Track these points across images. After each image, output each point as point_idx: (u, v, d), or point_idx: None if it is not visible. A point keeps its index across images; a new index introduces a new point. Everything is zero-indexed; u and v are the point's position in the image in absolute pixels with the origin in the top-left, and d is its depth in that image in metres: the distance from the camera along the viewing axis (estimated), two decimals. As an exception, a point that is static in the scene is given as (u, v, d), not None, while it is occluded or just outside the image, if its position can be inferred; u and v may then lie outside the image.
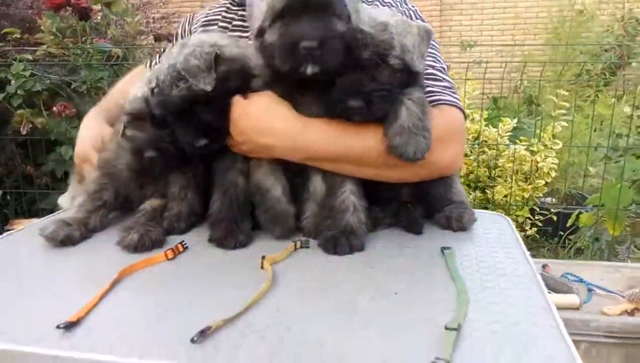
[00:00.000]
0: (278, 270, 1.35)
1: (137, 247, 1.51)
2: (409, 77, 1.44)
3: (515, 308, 1.15)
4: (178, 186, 1.68)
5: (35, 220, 3.82)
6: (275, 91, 1.49)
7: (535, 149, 3.37)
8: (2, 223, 4.27)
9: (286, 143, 1.47)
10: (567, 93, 3.40)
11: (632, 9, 10.10)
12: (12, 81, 3.52)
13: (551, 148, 3.35)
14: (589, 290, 2.72)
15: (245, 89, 1.49)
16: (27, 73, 3.43)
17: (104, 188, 1.67)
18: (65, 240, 1.55)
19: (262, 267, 1.36)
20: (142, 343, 1.05)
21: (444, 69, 1.72)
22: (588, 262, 3.27)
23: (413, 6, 1.87)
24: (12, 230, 3.55)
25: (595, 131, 5.33)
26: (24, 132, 3.56)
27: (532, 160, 3.34)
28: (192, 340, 1.03)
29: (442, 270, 1.35)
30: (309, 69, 1.33)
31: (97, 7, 4.04)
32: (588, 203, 3.79)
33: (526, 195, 3.37)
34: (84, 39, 3.73)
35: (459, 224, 1.63)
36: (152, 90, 1.47)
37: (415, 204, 1.70)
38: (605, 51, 8.56)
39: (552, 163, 3.32)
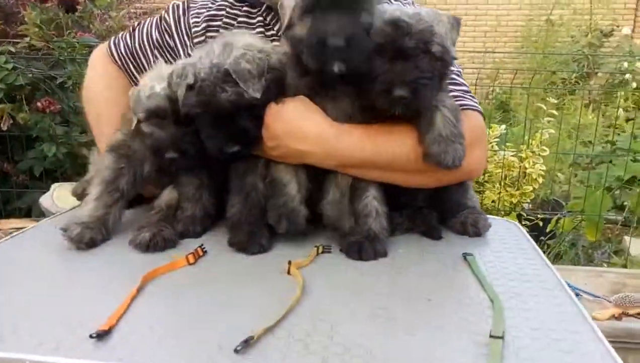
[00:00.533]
0: (305, 276, 1.33)
1: (149, 246, 1.48)
2: (444, 66, 1.43)
3: (548, 315, 1.17)
4: (192, 186, 1.63)
5: (21, 221, 3.68)
6: (302, 89, 1.47)
7: (523, 155, 3.46)
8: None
9: (319, 149, 1.45)
10: (555, 101, 3.51)
11: (597, 21, 10.54)
12: (-8, 74, 3.37)
13: (539, 155, 3.44)
14: (577, 295, 2.79)
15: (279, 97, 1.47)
16: (10, 66, 3.28)
17: (121, 174, 1.58)
18: (90, 243, 1.50)
19: (288, 273, 1.35)
20: (184, 353, 1.02)
21: (460, 72, 1.74)
22: (571, 267, 3.37)
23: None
24: (-6, 230, 3.40)
25: (569, 138, 5.53)
26: (4, 128, 3.41)
27: (520, 166, 3.43)
28: (236, 351, 1.00)
29: (468, 276, 1.37)
30: (336, 67, 1.31)
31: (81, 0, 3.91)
32: (569, 208, 3.91)
33: (514, 201, 3.46)
34: (67, 32, 3.60)
35: (475, 230, 1.65)
36: (189, 86, 1.38)
37: (430, 209, 1.72)
38: (573, 60, 8.87)
39: (540, 169, 3.41)
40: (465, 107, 1.62)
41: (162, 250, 1.49)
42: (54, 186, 3.54)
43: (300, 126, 1.43)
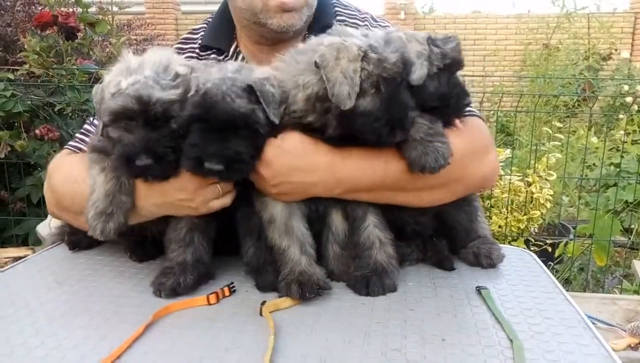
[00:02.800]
0: (309, 313, 1.26)
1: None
2: None
3: (574, 356, 1.09)
4: (183, 229, 1.45)
5: (18, 250, 3.60)
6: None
7: (530, 180, 3.39)
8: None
9: (328, 178, 1.38)
10: (560, 125, 3.46)
11: (595, 44, 10.60)
12: (-10, 101, 3.33)
13: (546, 179, 3.38)
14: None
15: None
16: (8, 93, 3.25)
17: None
18: (111, 232, 1.40)
19: (260, 313, 1.26)
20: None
21: None
22: (583, 294, 3.28)
23: (386, 23, 1.85)
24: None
25: (572, 161, 5.47)
26: (1, 155, 3.35)
27: (527, 191, 3.36)
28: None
29: (484, 312, 1.29)
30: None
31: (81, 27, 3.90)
32: (578, 233, 3.83)
33: (521, 226, 3.38)
34: (67, 59, 3.58)
35: (489, 261, 1.58)
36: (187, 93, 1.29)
37: (440, 239, 1.65)
38: (570, 84, 8.88)
39: (547, 194, 3.34)
40: (466, 113, 1.57)
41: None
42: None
43: (307, 158, 1.36)
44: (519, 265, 1.62)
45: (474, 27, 12.14)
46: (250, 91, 1.28)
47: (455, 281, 1.49)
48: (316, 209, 1.46)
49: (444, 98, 1.40)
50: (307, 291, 1.32)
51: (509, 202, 3.44)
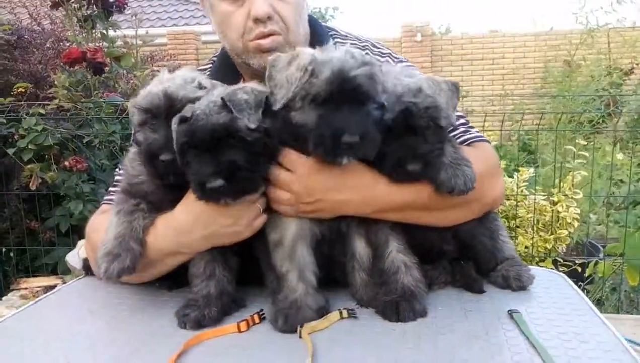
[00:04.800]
0: (333, 342, 1.26)
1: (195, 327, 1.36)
2: (448, 131, 1.48)
3: (614, 382, 1.06)
4: (202, 261, 1.46)
5: (48, 279, 3.67)
6: None
7: (556, 199, 3.34)
8: (4, 280, 4.10)
9: (361, 197, 1.39)
10: (585, 142, 3.42)
11: (616, 59, 10.48)
12: (21, 135, 3.46)
13: (572, 198, 3.32)
14: (627, 346, 2.61)
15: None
16: (40, 127, 3.37)
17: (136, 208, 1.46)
18: (119, 274, 1.41)
19: (300, 337, 1.26)
20: None
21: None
22: (616, 316, 3.18)
23: (387, 50, 1.88)
24: (19, 289, 3.40)
25: (599, 178, 5.37)
26: (33, 187, 3.46)
27: (553, 210, 3.30)
28: None
29: (517, 336, 1.27)
30: (345, 161, 1.29)
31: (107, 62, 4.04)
32: (608, 252, 3.73)
33: (549, 246, 3.31)
34: (95, 93, 3.70)
35: (519, 284, 1.55)
36: (183, 119, 1.31)
37: (467, 261, 1.63)
38: (594, 100, 8.78)
39: (574, 212, 3.28)
40: (473, 140, 1.63)
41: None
42: (80, 243, 3.54)
43: (340, 176, 1.38)
44: (550, 287, 1.59)
45: (492, 47, 12.14)
46: (224, 103, 1.30)
47: (486, 305, 1.46)
48: (338, 229, 1.46)
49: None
50: (288, 328, 1.30)
51: (535, 222, 3.38)
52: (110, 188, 1.83)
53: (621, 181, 5.60)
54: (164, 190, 1.48)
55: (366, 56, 1.33)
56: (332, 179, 1.37)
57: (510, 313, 1.37)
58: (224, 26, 1.69)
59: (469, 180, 1.38)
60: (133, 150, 1.58)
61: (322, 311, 1.37)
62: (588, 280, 3.95)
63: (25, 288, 3.37)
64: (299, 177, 1.36)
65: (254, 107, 1.31)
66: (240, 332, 1.32)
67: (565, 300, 1.49)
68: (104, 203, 1.80)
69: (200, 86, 1.45)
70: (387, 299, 1.40)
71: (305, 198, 1.37)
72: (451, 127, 1.52)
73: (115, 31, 4.11)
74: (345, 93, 1.26)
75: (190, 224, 1.41)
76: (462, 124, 1.71)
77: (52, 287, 3.56)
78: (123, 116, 3.60)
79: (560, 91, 8.82)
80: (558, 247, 3.35)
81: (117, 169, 1.90)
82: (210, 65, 1.92)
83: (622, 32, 10.16)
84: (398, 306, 1.37)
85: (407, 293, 1.40)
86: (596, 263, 3.81)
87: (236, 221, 1.39)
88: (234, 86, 1.38)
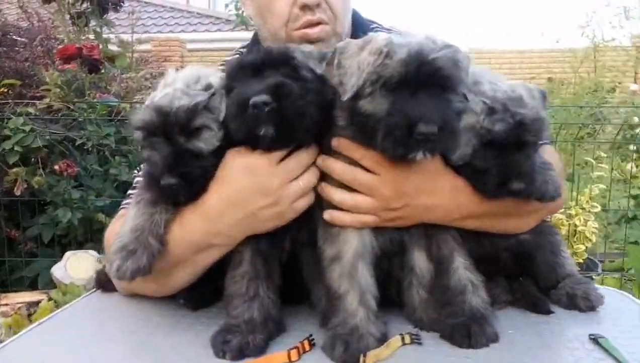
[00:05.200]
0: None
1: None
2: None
3: None
4: (244, 279, 1.24)
5: (31, 294, 3.37)
6: None
7: (573, 212, 3.23)
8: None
9: (450, 202, 1.26)
10: (605, 155, 3.34)
11: (597, 79, 10.64)
12: (6, 136, 3.19)
13: (589, 212, 3.22)
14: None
15: None
16: (27, 128, 3.11)
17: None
18: (134, 273, 1.22)
19: None
20: None
21: None
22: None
23: None
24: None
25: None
26: (18, 193, 3.18)
27: (569, 224, 3.19)
28: None
29: (610, 366, 1.11)
30: (420, 155, 1.11)
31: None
32: (609, 267, 3.64)
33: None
34: (88, 93, 3.47)
35: (587, 304, 1.40)
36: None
37: (526, 278, 1.48)
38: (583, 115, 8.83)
39: (593, 227, 3.18)
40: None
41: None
42: (67, 254, 3.28)
43: (430, 179, 1.24)
44: (620, 307, 1.45)
45: (478, 64, 12.15)
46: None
47: (559, 328, 1.31)
48: (400, 240, 1.30)
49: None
50: (348, 358, 1.11)
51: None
52: (130, 191, 1.62)
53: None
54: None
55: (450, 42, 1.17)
56: (423, 181, 1.22)
57: (594, 339, 1.21)
58: (264, 12, 1.53)
59: (558, 186, 1.29)
60: None
61: (383, 339, 1.18)
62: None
63: (6, 304, 3.08)
64: (386, 179, 1.20)
65: (318, 58, 1.22)
66: (291, 361, 1.12)
67: (642, 322, 1.35)
68: (122, 208, 1.59)
69: (207, 87, 1.25)
70: (455, 322, 1.23)
71: (392, 203, 1.21)
72: None
73: (110, 29, 3.89)
74: (423, 77, 1.10)
75: (222, 208, 1.22)
76: None
77: (36, 303, 3.28)
78: (118, 118, 3.37)
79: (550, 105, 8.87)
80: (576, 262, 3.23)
81: (136, 171, 1.71)
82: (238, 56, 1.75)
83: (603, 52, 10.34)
84: (470, 330, 1.20)
85: (477, 316, 1.24)
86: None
87: (276, 201, 1.21)
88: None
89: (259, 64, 1.19)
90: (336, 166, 1.24)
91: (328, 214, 1.23)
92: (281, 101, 1.11)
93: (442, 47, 1.13)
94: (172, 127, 1.18)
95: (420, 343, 1.21)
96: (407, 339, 1.20)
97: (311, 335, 1.21)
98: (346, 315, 1.18)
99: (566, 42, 11.26)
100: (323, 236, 1.25)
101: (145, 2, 14.92)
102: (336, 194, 1.23)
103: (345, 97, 1.14)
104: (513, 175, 1.21)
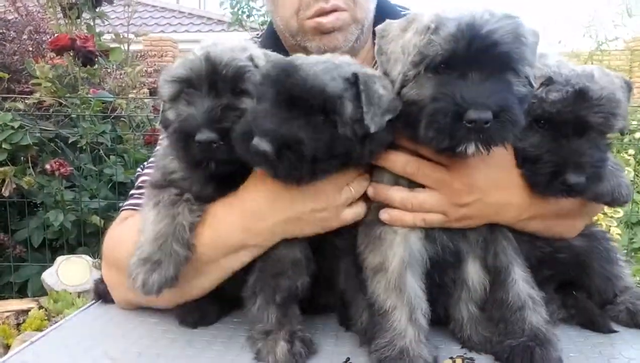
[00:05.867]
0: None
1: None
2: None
3: None
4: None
5: (20, 302, 3.17)
6: None
7: (594, 218, 3.09)
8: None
9: (523, 200, 1.13)
10: (629, 157, 3.20)
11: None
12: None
13: (611, 217, 3.09)
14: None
15: None
16: (16, 124, 2.91)
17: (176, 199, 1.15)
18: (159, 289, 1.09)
19: None
20: None
21: None
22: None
23: None
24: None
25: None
26: (6, 194, 2.98)
27: (591, 230, 3.05)
28: None
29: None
30: (471, 149, 0.94)
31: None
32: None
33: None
34: (81, 88, 3.28)
35: (651, 321, 1.25)
36: None
37: (581, 292, 1.33)
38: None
39: (616, 233, 3.05)
40: None
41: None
42: (60, 259, 3.09)
43: (513, 175, 1.11)
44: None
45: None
46: (354, 81, 1.03)
47: (625, 349, 1.16)
48: (455, 251, 1.13)
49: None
50: None
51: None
52: (133, 191, 1.45)
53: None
54: (210, 187, 1.16)
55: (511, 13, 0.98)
56: (497, 175, 1.08)
57: (669, 362, 1.07)
58: (275, 0, 1.38)
59: (630, 189, 1.16)
60: (165, 142, 1.23)
61: None
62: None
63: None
64: (455, 171, 1.05)
65: (384, 111, 0.99)
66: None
67: None
68: (124, 210, 1.42)
69: (252, 61, 1.13)
70: (514, 343, 1.08)
71: (463, 197, 1.07)
72: None
73: (103, 23, 3.70)
74: (476, 54, 0.92)
75: (266, 207, 1.10)
76: None
77: (25, 312, 3.08)
78: (113, 115, 3.18)
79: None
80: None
81: (139, 169, 1.53)
82: None
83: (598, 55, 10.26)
84: (532, 354, 1.04)
85: (540, 337, 1.08)
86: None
87: (326, 207, 1.09)
88: (372, 70, 1.09)
89: (293, 97, 0.99)
90: (398, 159, 1.08)
91: (386, 214, 1.08)
92: (282, 159, 0.96)
93: (501, 19, 0.95)
94: (221, 79, 1.08)
95: None
96: (459, 362, 1.05)
97: (348, 359, 1.06)
98: (394, 335, 1.02)
99: (569, 44, 11.15)
100: (364, 241, 1.11)
101: (137, 2, 14.72)
102: (396, 194, 1.08)
103: (395, 87, 0.99)
104: (570, 165, 1.04)
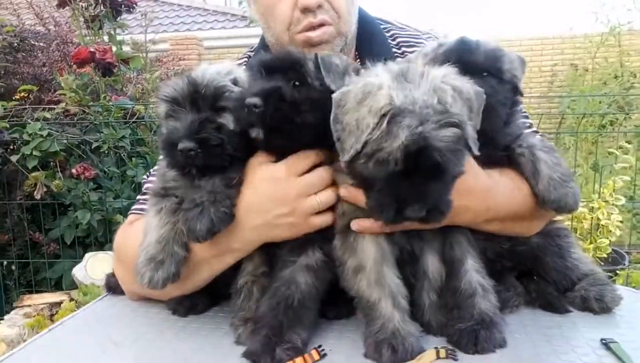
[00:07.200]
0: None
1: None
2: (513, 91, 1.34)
3: None
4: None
5: (53, 295, 3.45)
6: None
7: (595, 205, 3.14)
8: (5, 296, 3.89)
9: (480, 204, 1.27)
10: (629, 146, 3.23)
11: (624, 62, 10.31)
12: (25, 141, 3.26)
13: (613, 204, 3.13)
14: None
15: None
16: (45, 132, 3.17)
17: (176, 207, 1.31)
18: (164, 284, 1.28)
19: None
20: None
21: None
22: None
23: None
24: (22, 306, 3.20)
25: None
26: (38, 196, 3.26)
27: (592, 217, 3.11)
28: None
29: (622, 372, 1.07)
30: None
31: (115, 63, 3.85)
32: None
33: (588, 255, 3.12)
34: (103, 96, 3.51)
35: (601, 305, 1.36)
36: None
37: (542, 279, 1.45)
38: (610, 104, 8.59)
39: (617, 220, 3.09)
40: None
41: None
42: (87, 256, 3.35)
43: (467, 181, 1.19)
44: (636, 308, 1.39)
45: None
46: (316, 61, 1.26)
47: (570, 332, 1.27)
48: (412, 250, 1.27)
49: None
50: (400, 357, 1.11)
51: (573, 230, 3.18)
52: (139, 197, 1.65)
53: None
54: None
55: (453, 106, 1.06)
56: (457, 183, 1.17)
57: (606, 343, 1.18)
58: (267, 16, 1.53)
59: (578, 198, 1.29)
60: None
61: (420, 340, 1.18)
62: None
63: (29, 305, 3.16)
64: (461, 179, 1.16)
65: (341, 74, 1.21)
66: (299, 370, 1.11)
67: (662, 324, 1.30)
68: (131, 213, 1.61)
69: (235, 82, 1.30)
70: (462, 326, 1.21)
71: (460, 200, 1.17)
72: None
73: (123, 31, 3.93)
74: (420, 166, 1.03)
75: (243, 216, 1.26)
76: (535, 132, 1.58)
77: (58, 304, 3.36)
78: (133, 120, 3.40)
79: (571, 93, 8.64)
80: (599, 257, 3.15)
81: (144, 176, 1.72)
82: (246, 59, 1.75)
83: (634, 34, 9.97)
84: (477, 336, 1.18)
85: (486, 320, 1.21)
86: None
87: (292, 211, 1.24)
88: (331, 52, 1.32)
89: (270, 66, 1.23)
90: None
91: (356, 224, 1.21)
92: (270, 105, 1.14)
93: (444, 127, 1.03)
94: (201, 97, 1.26)
95: (455, 359, 1.15)
96: (442, 353, 1.16)
97: (320, 346, 1.20)
98: (383, 321, 1.17)
99: (580, 29, 10.87)
100: (342, 247, 1.24)
101: (162, 2, 15.06)
102: (359, 198, 1.19)
103: (344, 158, 1.10)
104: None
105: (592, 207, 3.16)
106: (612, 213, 3.11)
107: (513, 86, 1.32)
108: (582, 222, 3.16)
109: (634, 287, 3.68)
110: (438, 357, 1.14)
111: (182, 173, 1.30)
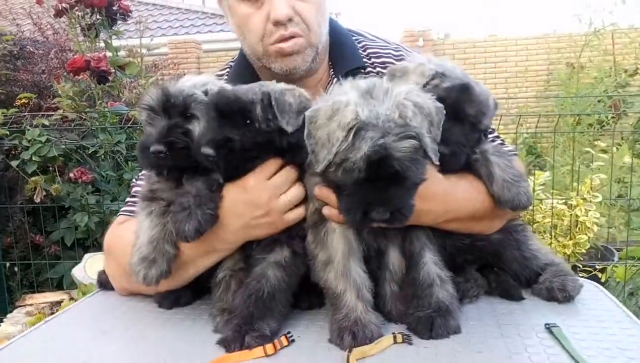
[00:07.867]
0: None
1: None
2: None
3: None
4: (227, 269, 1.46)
5: (53, 294, 3.58)
6: None
7: (574, 203, 3.25)
8: (9, 296, 4.02)
9: (440, 207, 1.37)
10: (604, 145, 3.33)
11: (619, 61, 10.37)
12: (25, 147, 3.39)
13: (590, 201, 3.24)
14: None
15: None
16: (43, 138, 3.30)
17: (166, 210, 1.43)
18: (158, 279, 1.41)
19: (347, 361, 1.17)
20: None
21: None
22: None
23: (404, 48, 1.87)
24: (25, 305, 3.33)
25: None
26: (37, 200, 3.39)
27: (571, 214, 3.22)
28: None
29: (559, 353, 1.19)
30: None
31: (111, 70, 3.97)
32: (627, 255, 3.64)
33: (567, 251, 3.23)
34: (99, 102, 3.64)
35: (564, 294, 1.47)
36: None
37: (501, 270, 1.56)
38: (599, 101, 8.68)
39: (594, 217, 3.20)
40: (509, 153, 1.58)
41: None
42: (86, 256, 3.48)
43: (427, 186, 1.28)
44: (586, 298, 1.51)
45: (494, 50, 12.07)
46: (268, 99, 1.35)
47: (521, 319, 1.38)
48: (377, 247, 1.39)
49: None
50: (359, 343, 1.23)
51: (553, 227, 3.29)
52: (128, 199, 1.77)
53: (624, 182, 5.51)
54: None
55: (413, 120, 1.17)
56: (444, 187, 1.34)
57: (549, 328, 1.29)
58: (243, 29, 1.64)
59: (530, 196, 1.41)
60: None
61: (381, 328, 1.30)
62: (604, 286, 3.87)
63: (31, 304, 3.30)
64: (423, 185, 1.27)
65: (296, 114, 1.30)
66: (267, 355, 1.23)
67: (605, 312, 1.42)
68: (121, 214, 1.73)
69: (206, 93, 1.43)
70: (420, 314, 1.32)
71: (421, 204, 1.28)
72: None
73: (119, 39, 4.05)
74: (382, 174, 1.15)
75: (225, 218, 1.38)
76: (500, 138, 1.72)
77: (59, 303, 3.49)
78: (128, 125, 3.53)
79: (567, 93, 8.73)
80: (578, 253, 3.25)
81: (133, 180, 1.84)
82: (228, 69, 1.86)
83: (627, 32, 10.04)
84: (433, 323, 1.29)
85: (442, 309, 1.32)
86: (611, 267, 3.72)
87: (267, 213, 1.37)
88: (284, 85, 1.37)
89: (222, 108, 1.32)
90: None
91: (327, 210, 1.33)
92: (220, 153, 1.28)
93: (402, 139, 1.14)
94: (172, 106, 1.38)
95: (411, 344, 1.26)
96: (399, 338, 1.27)
97: (289, 332, 1.31)
98: (347, 310, 1.29)
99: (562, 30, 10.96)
100: (313, 241, 1.36)
101: (161, 5, 15.20)
102: (334, 196, 1.29)
103: (319, 169, 1.21)
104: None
105: (571, 204, 3.28)
106: (589, 210, 3.22)
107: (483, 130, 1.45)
108: (562, 219, 3.28)
109: (617, 282, 3.80)
110: (395, 342, 1.25)
111: (156, 174, 1.45)
